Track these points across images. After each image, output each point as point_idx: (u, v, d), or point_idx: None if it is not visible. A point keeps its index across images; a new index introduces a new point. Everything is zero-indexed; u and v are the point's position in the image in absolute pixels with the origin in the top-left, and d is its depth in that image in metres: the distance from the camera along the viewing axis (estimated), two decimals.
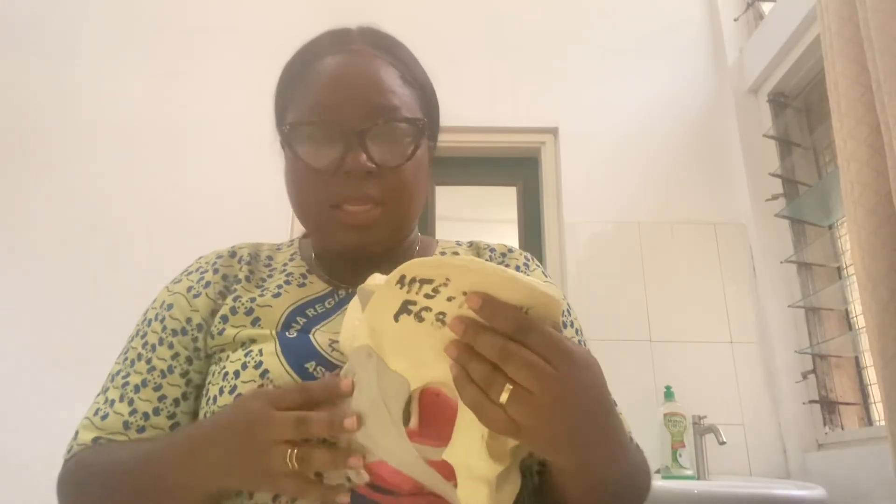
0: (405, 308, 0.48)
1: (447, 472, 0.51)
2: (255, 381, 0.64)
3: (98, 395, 0.73)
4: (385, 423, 0.50)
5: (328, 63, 0.73)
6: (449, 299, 0.47)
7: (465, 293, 0.46)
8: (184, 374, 0.72)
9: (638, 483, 0.65)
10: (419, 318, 0.48)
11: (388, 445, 0.50)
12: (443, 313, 0.47)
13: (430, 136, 0.79)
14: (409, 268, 0.46)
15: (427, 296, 0.47)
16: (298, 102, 0.72)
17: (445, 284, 0.46)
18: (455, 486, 0.50)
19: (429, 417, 0.52)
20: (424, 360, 0.49)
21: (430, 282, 0.46)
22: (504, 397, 0.45)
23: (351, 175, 0.67)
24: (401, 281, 0.47)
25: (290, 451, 0.51)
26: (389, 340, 0.50)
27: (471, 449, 0.49)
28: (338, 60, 0.73)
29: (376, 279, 0.55)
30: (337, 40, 0.75)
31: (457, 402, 0.53)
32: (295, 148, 0.70)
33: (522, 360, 0.45)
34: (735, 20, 2.68)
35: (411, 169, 0.71)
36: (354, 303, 0.58)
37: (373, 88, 0.70)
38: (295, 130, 0.70)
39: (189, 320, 0.73)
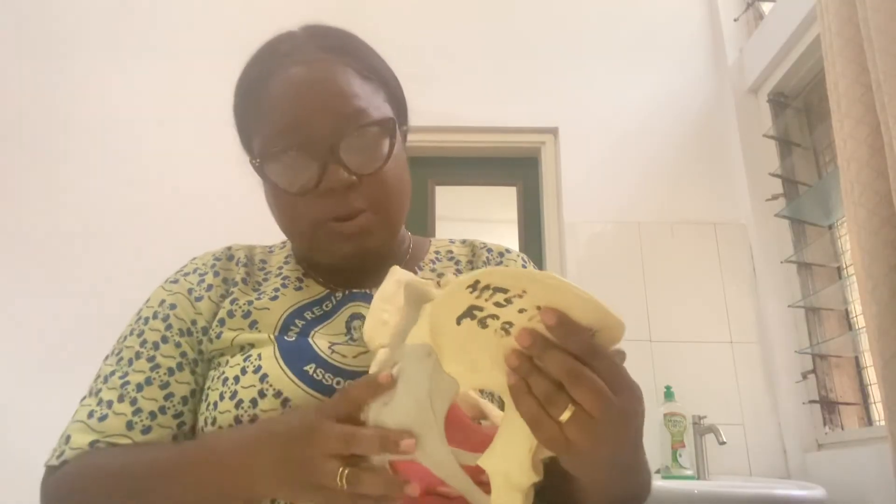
0: (470, 312, 0.47)
1: (474, 477, 0.51)
2: (255, 386, 0.63)
3: (85, 398, 0.69)
4: (429, 424, 0.50)
5: (282, 80, 0.70)
6: (520, 311, 0.47)
7: (538, 307, 0.46)
8: (192, 373, 0.70)
9: (644, 488, 0.65)
10: (483, 325, 0.48)
11: (428, 447, 0.50)
12: (510, 323, 0.47)
13: (401, 121, 0.77)
14: (487, 274, 0.46)
15: (497, 304, 0.46)
16: (263, 129, 0.70)
17: (520, 296, 0.46)
18: (485, 491, 0.51)
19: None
20: (479, 365, 0.49)
21: (504, 291, 0.46)
22: (565, 416, 0.46)
23: (333, 191, 0.66)
24: (473, 286, 0.46)
25: (341, 469, 0.49)
26: (447, 342, 0.49)
27: (514, 458, 0.49)
28: (292, 76, 0.70)
29: (397, 274, 0.55)
30: (285, 51, 0.72)
31: (468, 410, 0.54)
32: (270, 177, 0.68)
33: (590, 385, 0.45)
34: (735, 20, 2.68)
35: (391, 168, 0.70)
36: (383, 294, 0.58)
37: (335, 98, 0.68)
38: (266, 160, 0.68)
39: (194, 322, 0.72)
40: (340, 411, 0.52)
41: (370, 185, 0.68)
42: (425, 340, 0.49)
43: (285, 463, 0.53)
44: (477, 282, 0.46)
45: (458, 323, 0.48)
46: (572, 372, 0.45)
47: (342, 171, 0.66)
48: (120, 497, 0.61)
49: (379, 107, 0.71)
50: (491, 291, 0.46)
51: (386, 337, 0.55)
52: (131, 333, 0.72)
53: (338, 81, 0.69)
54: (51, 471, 0.66)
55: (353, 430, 0.50)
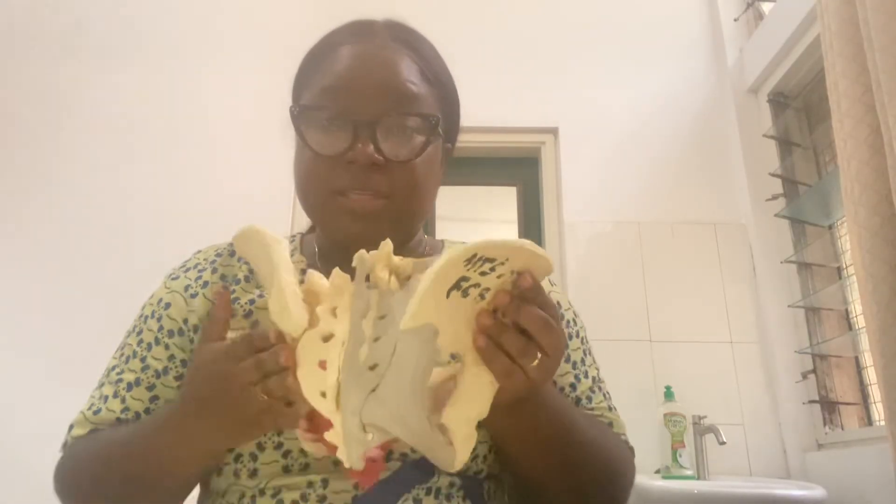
0: (458, 284, 0.48)
1: None
2: None
3: (95, 388, 0.72)
4: (418, 402, 0.50)
5: (346, 51, 0.71)
6: (499, 276, 0.49)
7: (512, 271, 0.50)
8: (178, 377, 0.70)
9: (611, 471, 0.68)
10: (465, 294, 0.49)
11: (413, 424, 0.50)
12: (487, 289, 0.50)
13: (446, 137, 0.77)
14: (483, 248, 0.47)
15: (483, 273, 0.49)
16: (312, 87, 0.71)
17: (503, 263, 0.49)
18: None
19: None
20: (458, 333, 0.50)
21: (492, 260, 0.48)
22: (536, 363, 0.51)
23: (356, 165, 0.65)
24: (470, 259, 0.47)
25: (258, 388, 0.52)
26: (440, 316, 0.49)
27: (478, 403, 0.52)
28: (356, 49, 0.71)
29: (366, 260, 0.53)
30: (359, 30, 0.74)
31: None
32: (303, 132, 0.68)
33: (554, 331, 0.51)
34: (735, 20, 2.68)
35: (422, 166, 0.69)
36: (287, 262, 0.55)
37: (388, 78, 0.68)
38: (305, 114, 0.68)
39: (185, 321, 0.71)
40: (216, 334, 0.56)
41: (395, 173, 0.67)
42: (429, 320, 0.48)
43: (217, 410, 0.55)
44: (474, 255, 0.47)
45: (448, 296, 0.49)
46: (544, 324, 0.50)
47: (371, 149, 0.65)
48: (100, 474, 0.64)
49: (430, 106, 0.71)
50: (482, 262, 0.48)
51: (303, 316, 0.52)
52: (133, 330, 0.73)
53: (398, 66, 0.70)
54: (60, 459, 0.69)
55: (256, 357, 0.52)
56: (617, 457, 0.69)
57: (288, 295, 0.52)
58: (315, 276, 0.54)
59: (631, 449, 0.74)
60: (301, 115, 0.68)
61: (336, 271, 0.53)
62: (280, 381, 0.51)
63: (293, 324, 0.52)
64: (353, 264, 0.52)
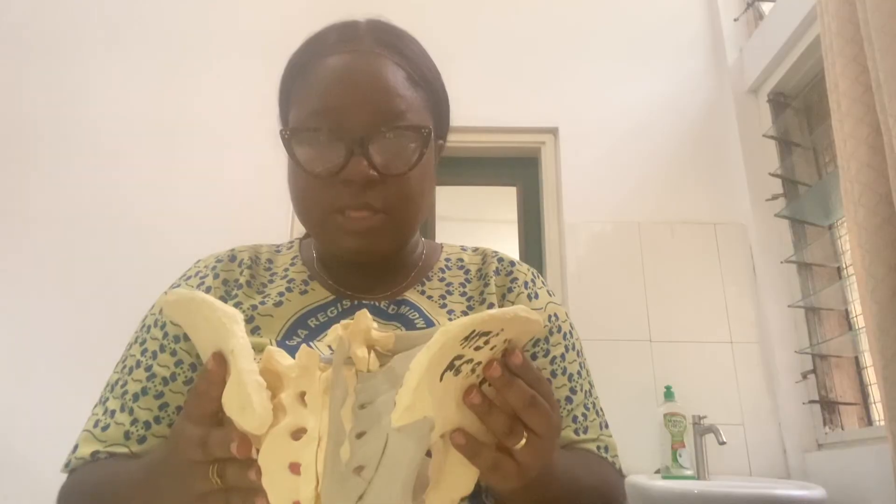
0: (451, 364, 0.44)
1: None
2: None
3: (96, 405, 0.70)
4: (408, 495, 0.44)
5: (332, 63, 0.70)
6: (492, 348, 0.45)
7: (505, 340, 0.46)
8: (187, 382, 0.70)
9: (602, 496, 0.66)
10: (457, 372, 0.44)
11: None
12: (479, 363, 0.45)
13: (438, 134, 0.77)
14: (479, 322, 0.43)
15: (477, 348, 0.44)
16: (301, 104, 0.70)
17: (497, 335, 0.45)
18: None
19: None
20: (450, 410, 0.45)
21: (487, 333, 0.44)
22: (521, 444, 0.47)
23: (351, 182, 0.65)
24: (467, 337, 0.43)
25: (211, 468, 0.46)
26: (434, 403, 0.44)
27: (463, 483, 0.48)
28: (342, 61, 0.69)
29: (345, 341, 0.46)
30: (343, 37, 0.72)
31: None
32: (295, 152, 0.67)
33: (542, 409, 0.47)
34: (735, 20, 2.68)
35: (416, 176, 0.68)
36: (245, 345, 0.46)
37: (378, 92, 0.68)
38: (296, 134, 0.68)
39: None
40: (200, 411, 0.48)
41: (390, 187, 0.67)
42: (425, 413, 0.42)
43: (168, 477, 0.51)
44: (472, 332, 0.43)
45: (441, 379, 0.43)
46: (530, 399, 0.46)
47: (365, 165, 0.65)
48: None
49: (419, 113, 0.70)
50: (478, 337, 0.43)
51: (269, 411, 0.44)
52: (135, 341, 0.73)
53: (385, 78, 0.69)
54: (66, 479, 0.67)
55: (203, 434, 0.46)
56: (612, 496, 0.69)
57: (250, 386, 0.44)
58: (275, 353, 0.47)
59: (622, 475, 0.74)
60: (292, 136, 0.68)
61: (304, 349, 0.46)
62: (240, 474, 0.45)
63: (258, 421, 0.44)
64: (327, 342, 0.47)
